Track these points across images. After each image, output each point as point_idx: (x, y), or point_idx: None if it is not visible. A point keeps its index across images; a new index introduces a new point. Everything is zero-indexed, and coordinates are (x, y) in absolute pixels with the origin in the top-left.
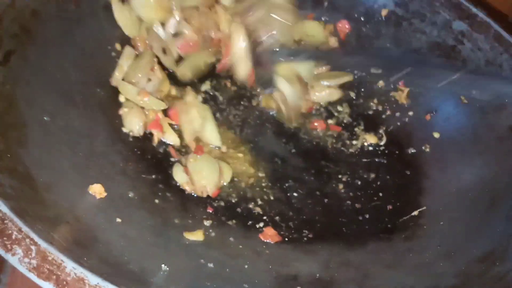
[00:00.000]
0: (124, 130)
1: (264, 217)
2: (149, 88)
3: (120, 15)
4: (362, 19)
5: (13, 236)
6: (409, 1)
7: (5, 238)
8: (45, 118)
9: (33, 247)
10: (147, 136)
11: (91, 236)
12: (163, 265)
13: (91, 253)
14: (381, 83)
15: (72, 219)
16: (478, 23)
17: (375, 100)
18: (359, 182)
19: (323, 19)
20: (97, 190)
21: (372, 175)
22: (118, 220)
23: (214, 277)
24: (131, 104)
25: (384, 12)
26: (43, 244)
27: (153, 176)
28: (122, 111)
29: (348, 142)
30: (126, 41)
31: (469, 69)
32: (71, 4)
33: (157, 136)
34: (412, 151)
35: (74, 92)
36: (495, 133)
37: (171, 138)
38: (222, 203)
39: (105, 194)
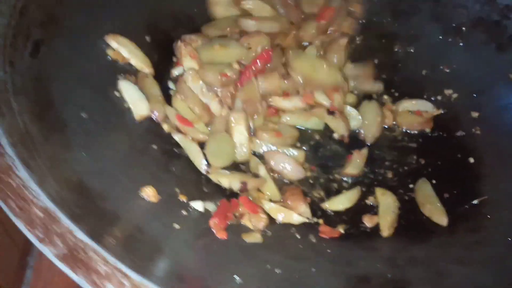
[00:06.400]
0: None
1: (318, 212)
2: None
3: None
4: None
5: (102, 272)
6: None
7: (94, 275)
8: (82, 115)
9: (125, 282)
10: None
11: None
12: (236, 276)
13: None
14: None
15: (137, 232)
16: None
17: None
18: (408, 169)
19: None
20: (150, 193)
21: (422, 161)
22: (176, 226)
23: (285, 284)
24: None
25: None
26: (137, 278)
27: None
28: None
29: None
30: (152, 27)
31: None
32: None
33: None
34: (462, 133)
35: (107, 86)
36: None
37: None
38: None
39: (158, 197)
